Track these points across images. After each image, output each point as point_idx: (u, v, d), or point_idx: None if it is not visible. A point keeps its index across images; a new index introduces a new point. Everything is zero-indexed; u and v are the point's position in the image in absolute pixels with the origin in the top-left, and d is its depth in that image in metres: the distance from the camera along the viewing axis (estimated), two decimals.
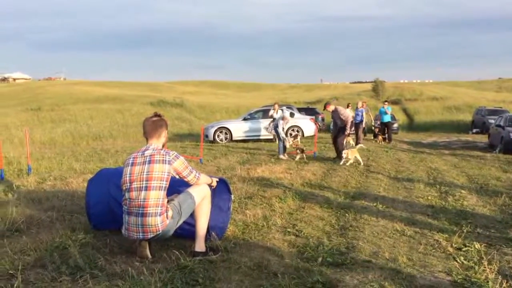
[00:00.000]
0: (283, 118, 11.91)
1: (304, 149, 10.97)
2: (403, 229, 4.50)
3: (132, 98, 42.52)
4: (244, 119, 17.62)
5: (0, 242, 3.70)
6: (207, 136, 16.74)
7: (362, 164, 9.69)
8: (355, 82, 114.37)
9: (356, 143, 15.11)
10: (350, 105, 18.96)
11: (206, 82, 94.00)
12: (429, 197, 6.25)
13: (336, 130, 10.99)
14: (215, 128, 17.19)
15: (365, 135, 18.18)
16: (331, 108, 10.88)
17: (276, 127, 11.79)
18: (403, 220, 4.89)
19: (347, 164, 9.65)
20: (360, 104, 16.63)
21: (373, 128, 19.91)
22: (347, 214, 5.09)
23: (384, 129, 17.06)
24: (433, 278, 3.16)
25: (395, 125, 22.19)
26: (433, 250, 3.83)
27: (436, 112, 36.11)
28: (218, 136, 16.94)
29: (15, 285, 2.70)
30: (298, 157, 10.59)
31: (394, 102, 40.13)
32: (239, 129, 17.13)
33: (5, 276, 2.94)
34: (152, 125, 3.44)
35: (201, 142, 11.84)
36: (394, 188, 7.10)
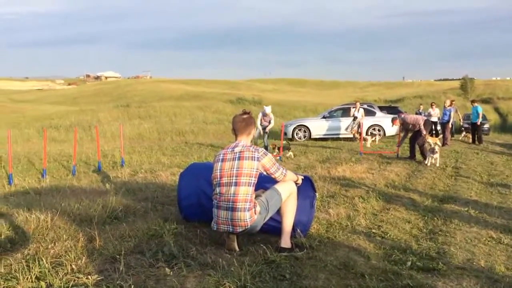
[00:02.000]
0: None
1: (276, 146, 11.13)
2: (499, 236, 4.23)
3: (212, 95, 43.98)
4: (324, 117, 17.46)
5: (103, 228, 4.03)
6: (285, 133, 16.84)
7: (429, 164, 9.34)
8: (440, 80, 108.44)
9: (443, 144, 14.37)
10: (434, 104, 18.04)
11: (285, 80, 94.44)
12: None
13: (413, 134, 10.69)
14: (294, 126, 17.23)
15: (452, 136, 17.19)
16: (398, 122, 10.92)
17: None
18: (498, 227, 4.59)
19: (434, 157, 9.30)
20: (448, 103, 15.75)
21: (462, 129, 18.79)
22: (435, 218, 4.88)
23: (474, 130, 15.98)
24: None
25: (486, 126, 20.74)
26: None
27: None
28: (296, 134, 16.97)
29: (120, 268, 2.94)
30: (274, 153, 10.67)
31: (485, 101, 37.53)
32: (318, 127, 17.01)
33: (109, 259, 3.20)
34: (242, 123, 3.55)
35: (281, 139, 11.93)
36: (487, 192, 6.67)
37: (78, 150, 10.10)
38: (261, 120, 12.62)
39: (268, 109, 12.73)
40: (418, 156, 10.43)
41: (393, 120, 11.40)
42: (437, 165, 9.32)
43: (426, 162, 9.51)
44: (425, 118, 10.75)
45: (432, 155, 9.47)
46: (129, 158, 10.22)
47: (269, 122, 12.69)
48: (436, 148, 9.58)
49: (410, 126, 10.56)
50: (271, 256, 3.29)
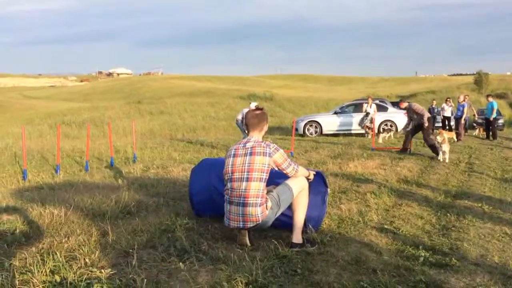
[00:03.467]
0: None
1: None
2: None
3: (223, 92, 44.05)
4: (335, 113, 17.38)
5: (116, 223, 4.07)
6: (297, 129, 16.79)
7: (441, 159, 9.28)
8: (454, 75, 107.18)
9: (457, 139, 14.26)
10: (448, 99, 17.84)
11: (296, 76, 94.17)
12: None
13: (413, 127, 10.75)
14: (305, 121, 17.17)
15: (466, 131, 17.00)
16: (404, 105, 10.90)
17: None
18: None
19: (443, 149, 9.24)
20: (461, 98, 15.58)
21: (474, 125, 18.57)
22: (448, 214, 4.83)
23: (488, 125, 15.79)
24: None
25: (500, 121, 20.47)
26: None
27: None
28: (308, 129, 16.92)
29: (133, 262, 2.97)
30: None
31: (499, 96, 37.07)
32: (329, 123, 16.93)
33: (122, 254, 3.24)
34: (255, 118, 3.56)
35: (292, 135, 11.91)
36: (501, 188, 6.58)
37: (91, 146, 10.19)
38: (243, 118, 12.05)
39: (254, 106, 12.46)
40: (428, 151, 10.32)
41: (400, 102, 11.54)
42: (447, 160, 9.22)
43: (438, 158, 9.41)
44: (430, 115, 10.76)
45: (441, 149, 9.36)
46: (141, 154, 10.28)
47: None
48: (439, 138, 9.37)
49: (414, 115, 10.58)
50: (282, 251, 3.29)
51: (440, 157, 9.35)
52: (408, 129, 11.10)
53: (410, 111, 10.76)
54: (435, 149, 9.78)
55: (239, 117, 12.24)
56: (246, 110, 11.96)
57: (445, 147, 9.29)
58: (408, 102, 11.06)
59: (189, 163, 8.42)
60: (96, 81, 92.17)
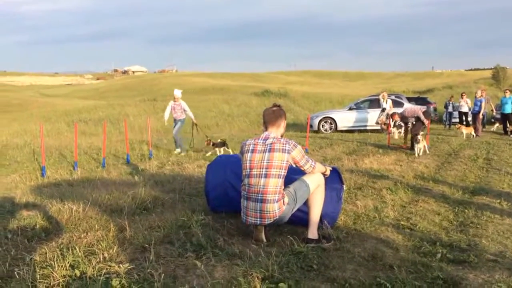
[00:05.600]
0: None
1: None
2: None
3: (237, 88, 44.03)
4: (350, 109, 17.25)
5: (133, 218, 4.13)
6: (311, 126, 16.72)
7: (416, 154, 9.38)
8: (471, 70, 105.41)
9: (475, 135, 14.07)
10: (464, 94, 17.56)
11: (310, 72, 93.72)
12: None
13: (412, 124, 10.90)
14: (320, 118, 17.09)
15: (484, 127, 16.73)
16: (397, 117, 11.58)
17: None
18: None
19: (418, 146, 9.44)
20: (479, 94, 15.33)
21: (492, 120, 18.25)
22: (466, 210, 4.77)
23: (505, 120, 15.49)
24: None
25: None
26: None
27: None
28: (322, 126, 16.83)
29: (150, 257, 3.00)
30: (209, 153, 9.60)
31: None
32: (344, 119, 16.82)
33: (140, 249, 3.28)
34: (272, 115, 3.56)
35: (307, 131, 11.86)
36: None
37: (107, 143, 10.31)
38: (172, 110, 10.43)
39: (178, 93, 10.51)
40: (446, 146, 10.20)
41: (392, 116, 11.98)
42: (421, 154, 9.41)
43: (413, 152, 9.59)
44: (424, 108, 10.73)
45: (416, 144, 9.51)
46: (157, 151, 10.37)
47: (183, 112, 10.45)
48: (419, 137, 9.52)
49: (409, 118, 10.78)
50: (298, 247, 3.29)
51: (416, 153, 9.48)
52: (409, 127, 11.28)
53: (404, 118, 11.02)
54: (413, 145, 9.88)
55: (167, 112, 10.45)
56: (172, 103, 10.47)
57: (421, 145, 9.55)
58: (400, 113, 11.41)
59: (204, 160, 8.47)
60: (111, 79, 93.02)
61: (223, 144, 9.96)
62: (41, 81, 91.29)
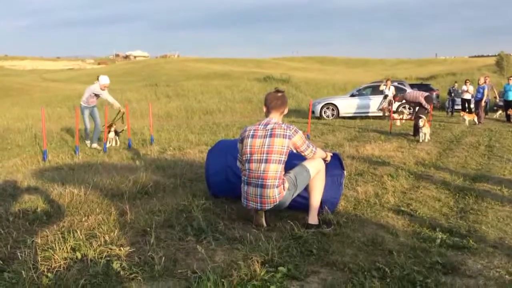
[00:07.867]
0: None
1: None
2: None
3: (239, 74, 43.83)
4: (352, 95, 17.19)
5: (134, 203, 4.14)
6: (313, 112, 16.66)
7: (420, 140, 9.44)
8: (475, 56, 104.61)
9: (478, 122, 14.03)
10: (468, 81, 17.45)
11: (313, 58, 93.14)
12: None
13: (414, 110, 11.03)
14: (322, 104, 17.03)
15: (486, 114, 16.66)
16: (399, 99, 11.41)
17: None
18: None
19: (424, 132, 9.48)
20: (482, 80, 15.24)
21: (494, 108, 18.17)
22: (467, 197, 4.77)
23: (508, 107, 15.41)
24: None
25: None
26: None
27: None
28: (324, 112, 16.78)
29: (151, 240, 3.02)
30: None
31: None
32: (346, 105, 16.76)
33: (140, 233, 3.30)
34: (275, 101, 3.54)
35: (309, 117, 11.83)
36: None
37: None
38: (89, 97, 9.12)
39: (105, 80, 9.03)
40: (448, 133, 10.18)
41: (394, 98, 12.05)
42: (426, 140, 9.41)
43: (417, 138, 9.63)
44: (426, 94, 10.68)
45: (420, 129, 9.54)
46: (158, 136, 10.37)
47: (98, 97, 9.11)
48: (421, 122, 9.51)
49: (411, 103, 10.89)
50: (298, 232, 3.31)
51: (420, 138, 9.50)
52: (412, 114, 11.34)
53: (406, 102, 11.17)
54: (417, 130, 9.86)
55: (84, 98, 9.17)
56: (92, 86, 9.16)
57: (425, 130, 9.53)
58: (402, 95, 11.28)
59: (206, 145, 8.47)
60: (113, 64, 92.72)
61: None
62: (42, 66, 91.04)
